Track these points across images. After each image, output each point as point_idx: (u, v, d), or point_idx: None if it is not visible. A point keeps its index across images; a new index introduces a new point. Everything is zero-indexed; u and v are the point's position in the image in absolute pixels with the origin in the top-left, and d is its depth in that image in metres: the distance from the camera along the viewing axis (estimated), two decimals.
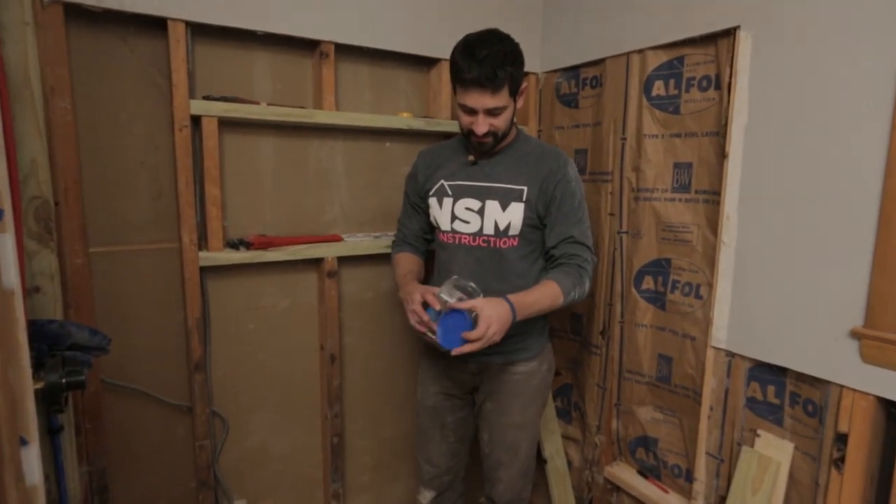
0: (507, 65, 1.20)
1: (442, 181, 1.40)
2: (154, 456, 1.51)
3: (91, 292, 1.34)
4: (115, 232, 1.40)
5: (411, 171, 1.51)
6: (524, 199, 1.32)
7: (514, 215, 1.32)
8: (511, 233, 1.33)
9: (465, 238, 1.37)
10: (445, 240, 1.40)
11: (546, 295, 1.27)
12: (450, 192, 1.38)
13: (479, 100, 1.22)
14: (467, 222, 1.36)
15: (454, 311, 1.18)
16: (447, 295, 1.19)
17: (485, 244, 1.35)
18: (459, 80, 1.23)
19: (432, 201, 1.42)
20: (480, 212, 1.34)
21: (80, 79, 1.31)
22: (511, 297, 1.22)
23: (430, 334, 1.23)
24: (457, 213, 1.37)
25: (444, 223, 1.39)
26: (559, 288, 1.27)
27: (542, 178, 1.32)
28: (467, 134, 1.30)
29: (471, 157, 1.38)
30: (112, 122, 1.36)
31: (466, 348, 1.15)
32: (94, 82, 1.33)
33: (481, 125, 1.25)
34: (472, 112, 1.25)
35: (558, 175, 1.32)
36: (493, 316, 1.15)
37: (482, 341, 1.15)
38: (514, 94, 1.26)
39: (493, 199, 1.33)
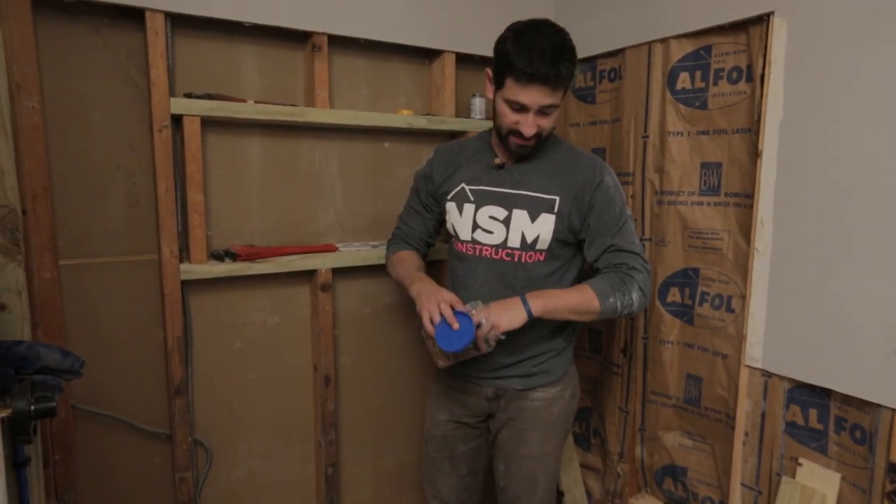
0: (567, 59, 1.19)
1: (463, 185, 1.37)
2: (130, 489, 1.50)
3: (61, 310, 1.34)
4: (87, 243, 1.39)
5: (425, 170, 1.47)
6: (556, 210, 1.30)
7: (543, 227, 1.30)
8: (539, 247, 1.32)
9: (487, 250, 1.34)
10: (464, 250, 1.38)
11: (574, 294, 1.27)
12: (472, 198, 1.35)
13: (537, 97, 1.19)
14: (490, 232, 1.33)
15: (462, 314, 1.19)
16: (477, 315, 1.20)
17: (508, 258, 1.33)
18: (516, 74, 1.18)
19: (450, 206, 1.39)
20: (506, 222, 1.32)
21: (50, 76, 1.31)
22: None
23: (434, 342, 1.22)
24: (479, 221, 1.34)
25: (464, 232, 1.37)
26: (592, 290, 1.26)
27: (577, 187, 1.30)
28: (507, 134, 1.27)
29: (497, 160, 1.35)
30: (85, 123, 1.36)
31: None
32: (64, 79, 1.33)
33: (531, 125, 1.22)
34: (522, 110, 1.22)
35: (594, 182, 1.30)
36: (489, 307, 1.22)
37: (489, 327, 1.19)
38: (566, 92, 1.25)
39: (522, 208, 1.31)
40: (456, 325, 1.17)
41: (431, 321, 1.19)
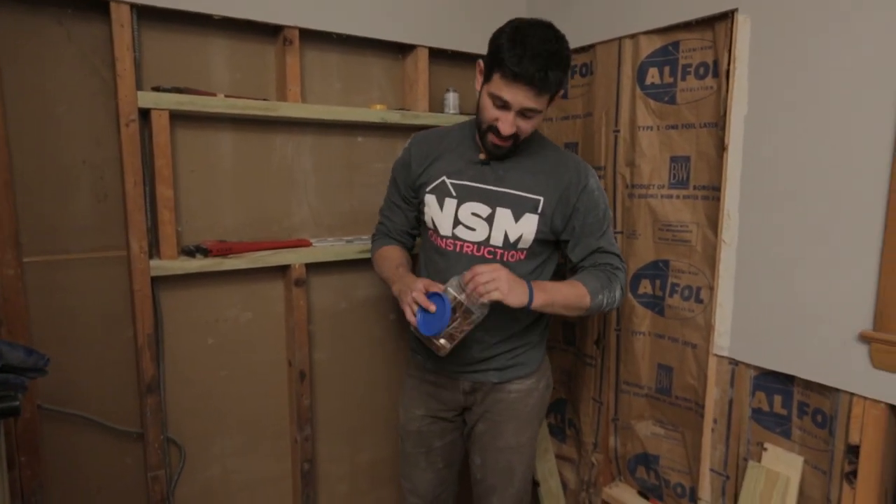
0: (559, 68, 1.18)
1: (444, 178, 1.35)
2: (101, 490, 1.47)
3: (26, 308, 1.31)
4: (52, 239, 1.36)
5: (403, 159, 1.44)
6: (539, 211, 1.30)
7: (526, 227, 1.30)
8: (521, 246, 1.32)
9: (468, 247, 1.33)
10: (444, 246, 1.37)
11: (570, 290, 1.27)
12: (453, 193, 1.34)
13: (520, 97, 1.18)
14: (472, 229, 1.33)
15: (435, 294, 1.18)
16: (455, 291, 1.17)
17: (490, 256, 1.33)
18: (503, 69, 1.17)
19: (430, 199, 1.36)
20: (489, 219, 1.31)
21: (10, 67, 1.27)
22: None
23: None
24: (461, 217, 1.33)
25: (445, 228, 1.35)
26: (585, 287, 1.27)
27: (562, 189, 1.31)
28: (486, 130, 1.26)
29: (483, 156, 1.34)
30: (48, 117, 1.33)
31: (473, 277, 1.15)
32: (25, 71, 1.29)
33: (510, 125, 1.21)
34: (504, 107, 1.21)
35: (579, 186, 1.31)
36: (503, 271, 1.16)
37: (483, 277, 1.14)
38: (552, 99, 1.24)
39: (506, 206, 1.30)
40: (432, 308, 1.16)
41: (414, 314, 1.19)
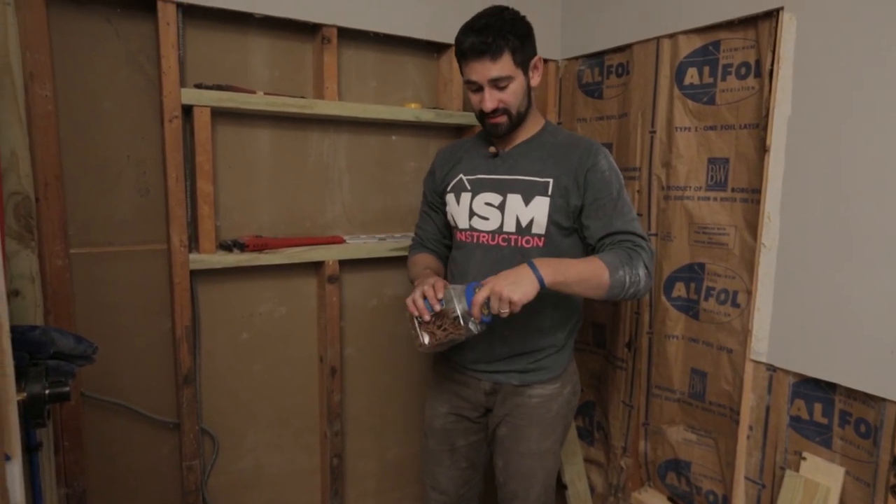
0: (506, 33, 1.22)
1: (461, 175, 1.41)
2: (138, 477, 1.51)
3: (72, 297, 1.35)
4: (97, 232, 1.40)
5: (430, 169, 1.52)
6: (549, 193, 1.30)
7: (537, 211, 1.30)
8: (535, 231, 1.31)
9: (484, 236, 1.36)
10: (463, 238, 1.40)
11: (583, 264, 1.20)
12: (468, 187, 1.38)
13: (480, 70, 1.24)
14: (486, 219, 1.35)
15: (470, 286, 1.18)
16: (457, 297, 1.16)
17: (504, 243, 1.34)
18: (460, 52, 1.27)
19: (450, 198, 1.42)
20: (501, 207, 1.33)
21: (62, 64, 1.32)
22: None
23: (415, 321, 1.20)
24: (475, 208, 1.37)
25: (462, 220, 1.39)
26: (601, 261, 1.19)
27: (571, 171, 1.30)
28: (481, 118, 1.32)
29: (492, 149, 1.39)
30: (95, 112, 1.37)
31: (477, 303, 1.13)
32: (76, 68, 1.34)
33: (489, 100, 1.26)
34: (477, 88, 1.27)
35: (587, 165, 1.29)
36: (493, 281, 1.14)
37: (487, 293, 1.12)
38: (520, 64, 1.26)
39: (516, 192, 1.32)
40: (437, 307, 1.17)
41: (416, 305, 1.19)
